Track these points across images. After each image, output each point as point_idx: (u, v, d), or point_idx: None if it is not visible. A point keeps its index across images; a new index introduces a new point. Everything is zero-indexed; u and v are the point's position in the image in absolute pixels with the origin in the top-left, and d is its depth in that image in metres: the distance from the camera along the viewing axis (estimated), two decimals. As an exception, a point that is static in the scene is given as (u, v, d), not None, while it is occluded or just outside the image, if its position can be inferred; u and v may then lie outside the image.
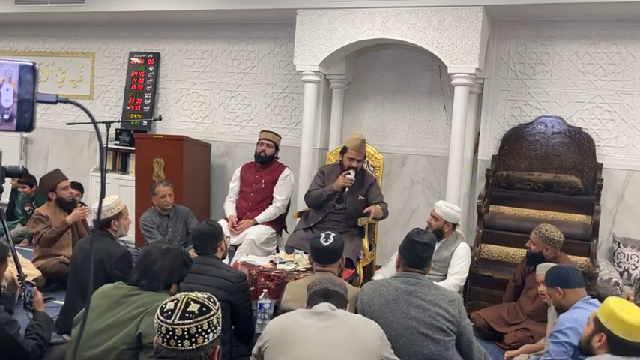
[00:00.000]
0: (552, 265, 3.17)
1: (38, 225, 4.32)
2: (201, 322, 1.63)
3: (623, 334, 2.08)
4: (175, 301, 1.67)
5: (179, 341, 1.61)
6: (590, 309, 2.66)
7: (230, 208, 4.71)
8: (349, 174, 4.17)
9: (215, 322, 1.67)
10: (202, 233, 2.98)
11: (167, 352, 1.63)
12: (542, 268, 3.21)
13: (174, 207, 4.49)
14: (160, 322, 1.64)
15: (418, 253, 2.61)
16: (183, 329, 1.61)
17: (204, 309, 1.66)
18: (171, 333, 1.61)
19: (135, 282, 2.28)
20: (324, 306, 2.18)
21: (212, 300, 1.72)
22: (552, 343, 2.63)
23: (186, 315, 1.63)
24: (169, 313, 1.64)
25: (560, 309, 2.80)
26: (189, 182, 5.39)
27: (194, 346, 1.62)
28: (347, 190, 4.19)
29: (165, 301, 1.70)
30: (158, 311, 1.67)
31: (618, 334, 2.08)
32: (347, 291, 2.38)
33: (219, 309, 1.71)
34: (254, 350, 2.21)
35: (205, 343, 1.63)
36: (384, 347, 2.16)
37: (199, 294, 1.73)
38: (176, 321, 1.62)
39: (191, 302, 1.67)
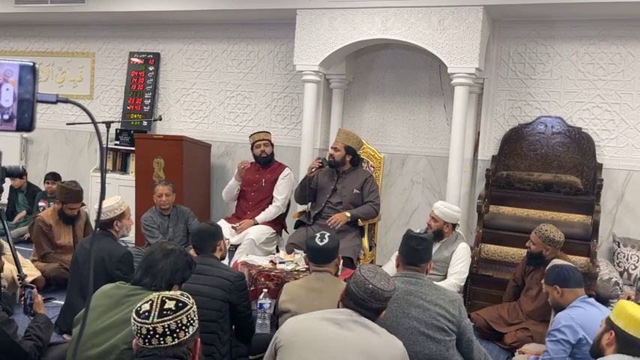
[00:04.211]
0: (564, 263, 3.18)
1: (40, 238, 4.35)
2: (180, 317, 1.66)
3: (632, 331, 2.06)
4: (150, 302, 1.70)
5: (161, 339, 1.63)
6: (587, 308, 2.68)
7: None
8: (318, 158, 4.48)
9: (193, 315, 1.70)
10: (202, 231, 2.99)
11: (150, 352, 1.65)
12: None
13: (176, 207, 4.49)
14: (139, 324, 1.65)
15: (413, 245, 2.60)
16: (163, 327, 1.64)
17: (180, 304, 1.69)
18: (152, 332, 1.63)
19: (137, 280, 2.28)
20: (346, 313, 2.11)
21: (185, 295, 1.75)
22: (550, 341, 2.65)
23: (165, 312, 1.66)
24: (147, 314, 1.66)
25: (558, 308, 2.82)
26: (189, 182, 5.39)
27: (176, 342, 1.65)
28: (337, 182, 4.31)
29: (139, 304, 1.71)
30: (134, 314, 1.68)
31: (626, 330, 2.07)
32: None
33: (194, 303, 1.74)
34: (269, 347, 2.17)
35: (187, 337, 1.67)
36: None
37: (172, 292, 1.78)
38: (155, 320, 1.64)
39: (167, 300, 1.70)
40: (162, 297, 1.71)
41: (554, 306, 2.88)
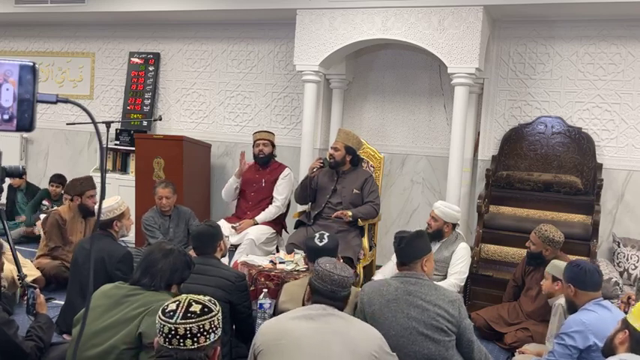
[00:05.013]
0: (561, 264, 3.17)
1: (53, 231, 4.39)
2: (203, 322, 1.67)
3: None
4: (177, 302, 1.71)
5: (181, 340, 1.64)
6: (600, 312, 2.62)
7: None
8: (319, 158, 4.48)
9: (216, 322, 1.71)
10: (202, 234, 2.99)
11: (168, 351, 1.65)
12: (552, 266, 3.22)
13: (177, 207, 4.49)
14: (162, 322, 1.67)
15: (395, 246, 2.65)
16: (185, 328, 1.64)
17: (205, 309, 1.70)
18: (173, 332, 1.64)
19: (136, 280, 2.28)
20: (319, 308, 2.13)
21: (213, 302, 1.76)
22: (558, 344, 2.62)
23: (189, 315, 1.66)
24: (172, 313, 1.67)
25: (570, 306, 2.78)
26: (189, 182, 5.39)
27: (195, 346, 1.65)
28: (337, 183, 4.31)
29: (167, 303, 1.73)
30: (160, 312, 1.70)
31: None
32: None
33: (220, 311, 1.75)
34: (249, 354, 2.17)
35: (207, 343, 1.67)
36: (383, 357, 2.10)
37: (200, 296, 1.77)
38: (179, 320, 1.65)
39: (193, 303, 1.70)
40: (190, 299, 1.72)
41: (567, 302, 2.83)
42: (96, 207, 4.23)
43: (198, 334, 1.65)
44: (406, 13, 4.63)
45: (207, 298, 1.78)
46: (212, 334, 1.68)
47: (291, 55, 5.18)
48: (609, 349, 2.19)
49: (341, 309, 2.18)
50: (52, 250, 4.38)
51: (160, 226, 4.38)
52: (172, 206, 4.44)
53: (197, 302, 1.72)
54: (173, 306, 1.70)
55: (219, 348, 1.74)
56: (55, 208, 4.90)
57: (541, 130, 4.85)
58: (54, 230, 4.40)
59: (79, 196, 4.43)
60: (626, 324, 2.14)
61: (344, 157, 4.32)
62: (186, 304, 1.70)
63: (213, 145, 5.96)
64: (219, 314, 1.74)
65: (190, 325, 1.65)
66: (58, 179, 5.89)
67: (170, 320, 1.66)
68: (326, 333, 2.05)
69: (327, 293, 2.16)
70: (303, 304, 2.26)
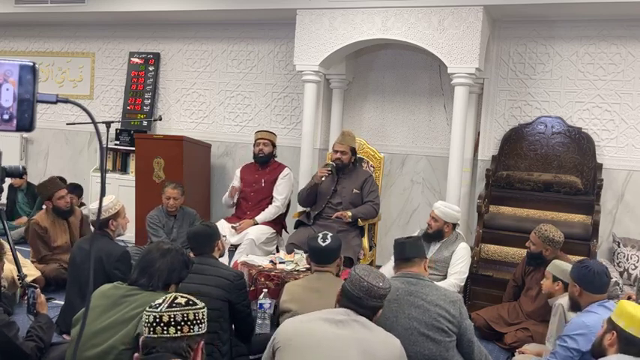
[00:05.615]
0: (562, 264, 3.17)
1: (37, 242, 4.36)
2: (187, 312, 1.71)
3: (633, 331, 2.06)
4: (164, 298, 1.78)
5: (165, 328, 1.67)
6: (602, 313, 2.60)
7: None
8: (327, 165, 4.45)
9: (201, 316, 1.74)
10: (199, 234, 2.99)
11: (152, 341, 1.67)
12: (553, 266, 3.22)
13: (182, 208, 4.51)
14: (148, 313, 1.71)
15: (402, 242, 2.67)
16: (169, 315, 1.68)
17: (190, 302, 1.75)
18: (158, 320, 1.68)
19: (134, 280, 2.28)
20: (342, 312, 2.11)
21: (198, 299, 1.81)
22: (560, 346, 2.61)
23: (174, 305, 1.72)
24: (157, 305, 1.73)
25: (574, 304, 2.78)
26: (189, 182, 5.37)
27: (179, 334, 1.67)
28: (337, 183, 4.31)
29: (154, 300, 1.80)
30: (147, 307, 1.75)
31: (628, 330, 2.07)
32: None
33: (205, 307, 1.79)
34: (267, 348, 2.16)
35: (190, 333, 1.69)
36: None
37: (184, 294, 1.86)
38: (163, 309, 1.70)
39: (179, 297, 1.78)
40: (177, 295, 1.80)
41: (570, 299, 2.83)
42: (91, 208, 4.21)
43: (182, 323, 1.68)
44: (406, 13, 4.63)
45: (193, 297, 1.83)
46: (196, 327, 1.71)
47: (291, 55, 5.18)
48: (599, 351, 2.19)
49: (368, 317, 2.12)
50: (41, 259, 4.36)
51: (164, 226, 4.40)
52: (178, 207, 4.45)
53: (183, 297, 1.77)
54: (160, 300, 1.76)
55: (202, 343, 1.75)
56: (33, 217, 4.83)
57: (541, 130, 4.85)
58: (36, 241, 4.37)
59: (49, 200, 4.40)
60: (612, 324, 2.14)
61: (350, 159, 4.35)
62: (172, 297, 1.76)
63: (213, 145, 5.96)
64: (204, 309, 1.77)
65: (174, 313, 1.69)
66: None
67: (155, 310, 1.70)
68: (346, 338, 2.02)
69: (354, 299, 2.12)
70: (335, 306, 2.24)
